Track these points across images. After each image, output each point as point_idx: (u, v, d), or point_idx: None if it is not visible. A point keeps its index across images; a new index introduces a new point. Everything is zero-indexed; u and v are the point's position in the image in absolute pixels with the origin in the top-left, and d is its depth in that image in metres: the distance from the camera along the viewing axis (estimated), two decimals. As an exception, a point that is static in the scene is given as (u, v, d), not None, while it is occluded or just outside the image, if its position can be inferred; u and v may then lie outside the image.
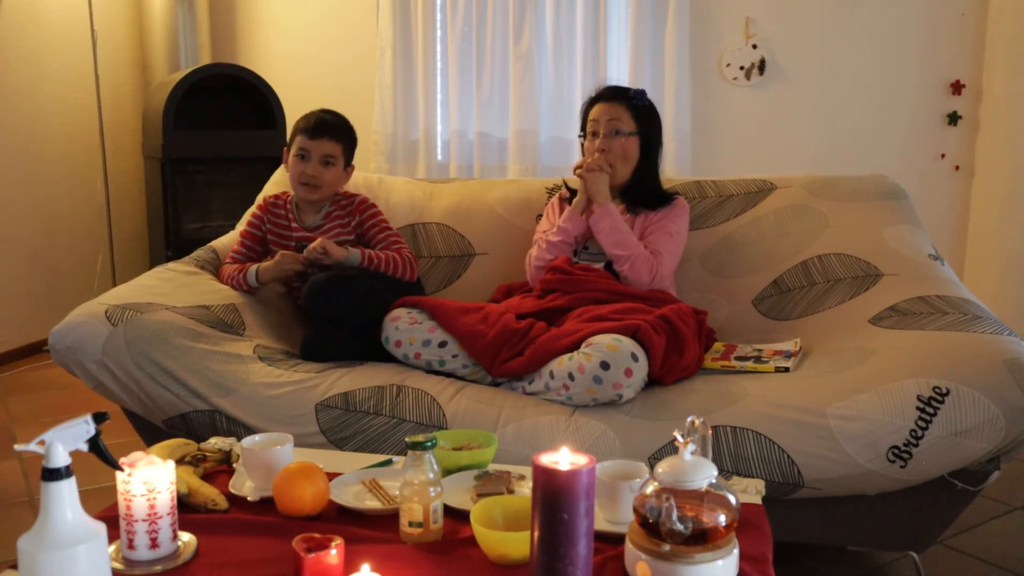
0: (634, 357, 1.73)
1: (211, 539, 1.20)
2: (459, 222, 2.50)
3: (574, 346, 1.81)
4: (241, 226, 2.39)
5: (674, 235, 2.16)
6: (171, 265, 2.28)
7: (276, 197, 2.34)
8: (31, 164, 3.81)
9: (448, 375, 1.94)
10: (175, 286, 2.12)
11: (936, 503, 1.68)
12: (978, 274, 3.68)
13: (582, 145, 2.28)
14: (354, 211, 2.27)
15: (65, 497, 0.94)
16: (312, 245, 2.08)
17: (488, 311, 1.98)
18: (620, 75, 3.93)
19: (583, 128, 2.27)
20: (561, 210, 2.28)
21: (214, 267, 2.31)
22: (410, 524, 1.19)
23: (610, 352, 1.71)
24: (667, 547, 1.02)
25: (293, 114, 4.10)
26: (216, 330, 1.98)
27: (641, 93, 2.23)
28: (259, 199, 2.40)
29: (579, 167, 2.18)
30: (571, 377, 1.73)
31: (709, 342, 2.07)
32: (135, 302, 1.96)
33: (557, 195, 2.35)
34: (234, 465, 1.46)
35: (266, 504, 1.31)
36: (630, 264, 2.08)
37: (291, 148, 2.24)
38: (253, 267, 2.19)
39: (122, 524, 1.13)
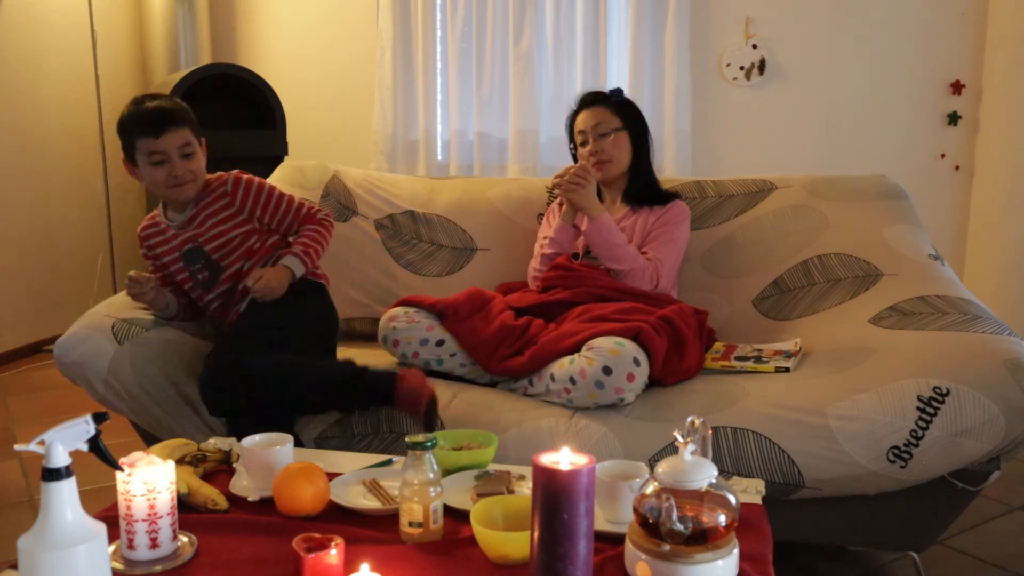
0: (636, 362, 1.72)
1: (211, 539, 1.20)
2: (460, 217, 2.50)
3: (575, 348, 1.80)
4: None
5: (676, 242, 2.16)
6: None
7: (146, 223, 2.09)
8: (31, 164, 3.81)
9: (446, 375, 1.94)
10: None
11: (936, 503, 1.68)
12: (978, 274, 3.68)
13: (573, 156, 2.28)
14: (232, 192, 2.01)
15: (65, 497, 0.94)
16: (256, 289, 1.88)
17: (488, 307, 1.97)
18: (620, 75, 3.93)
19: (571, 140, 2.28)
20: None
21: None
22: (410, 524, 1.19)
23: (612, 357, 1.71)
24: (667, 547, 1.02)
25: (293, 114, 4.16)
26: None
27: (618, 91, 2.24)
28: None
29: (556, 184, 2.13)
30: (572, 381, 1.72)
31: (709, 342, 2.07)
32: (140, 317, 1.96)
33: (557, 200, 2.34)
34: (234, 465, 1.46)
35: (266, 504, 1.31)
36: (630, 277, 2.07)
37: (134, 156, 1.94)
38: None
39: (122, 524, 1.13)
